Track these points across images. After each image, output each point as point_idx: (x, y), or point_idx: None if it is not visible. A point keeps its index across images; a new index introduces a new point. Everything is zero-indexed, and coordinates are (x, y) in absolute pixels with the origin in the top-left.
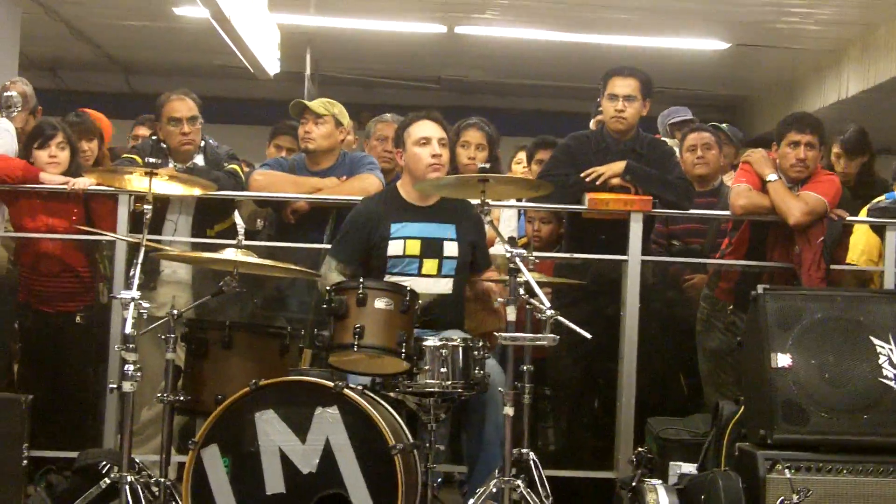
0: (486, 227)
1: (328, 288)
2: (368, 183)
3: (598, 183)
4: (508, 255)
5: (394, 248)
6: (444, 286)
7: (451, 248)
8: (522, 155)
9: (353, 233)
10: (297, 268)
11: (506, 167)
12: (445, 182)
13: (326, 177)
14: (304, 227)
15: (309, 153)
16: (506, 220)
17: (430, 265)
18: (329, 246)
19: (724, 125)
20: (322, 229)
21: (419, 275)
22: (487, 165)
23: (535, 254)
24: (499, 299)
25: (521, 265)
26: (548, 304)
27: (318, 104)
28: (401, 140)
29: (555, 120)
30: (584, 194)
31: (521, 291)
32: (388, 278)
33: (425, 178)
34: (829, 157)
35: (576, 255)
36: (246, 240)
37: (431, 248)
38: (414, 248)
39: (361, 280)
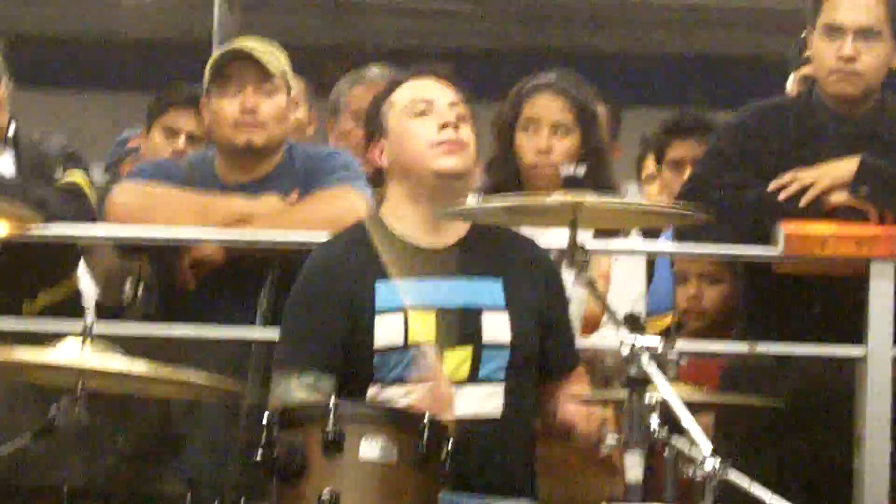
0: (579, 290)
1: (271, 418)
2: (343, 206)
3: (803, 203)
4: (626, 349)
5: (384, 329)
6: (489, 403)
7: (496, 326)
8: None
9: (318, 307)
10: (203, 380)
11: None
12: (490, 210)
13: (259, 193)
14: (217, 295)
15: (248, 151)
16: (624, 276)
17: (456, 359)
18: (265, 332)
19: None
20: (251, 299)
21: None
22: (580, 171)
23: (681, 347)
24: (608, 440)
25: (649, 369)
26: (708, 448)
27: (264, 53)
28: (377, 121)
29: (712, 72)
30: (778, 226)
31: (654, 423)
32: (376, 392)
33: (432, 170)
34: None
35: (762, 349)
36: (102, 318)
37: (457, 324)
38: (423, 326)
39: (333, 401)
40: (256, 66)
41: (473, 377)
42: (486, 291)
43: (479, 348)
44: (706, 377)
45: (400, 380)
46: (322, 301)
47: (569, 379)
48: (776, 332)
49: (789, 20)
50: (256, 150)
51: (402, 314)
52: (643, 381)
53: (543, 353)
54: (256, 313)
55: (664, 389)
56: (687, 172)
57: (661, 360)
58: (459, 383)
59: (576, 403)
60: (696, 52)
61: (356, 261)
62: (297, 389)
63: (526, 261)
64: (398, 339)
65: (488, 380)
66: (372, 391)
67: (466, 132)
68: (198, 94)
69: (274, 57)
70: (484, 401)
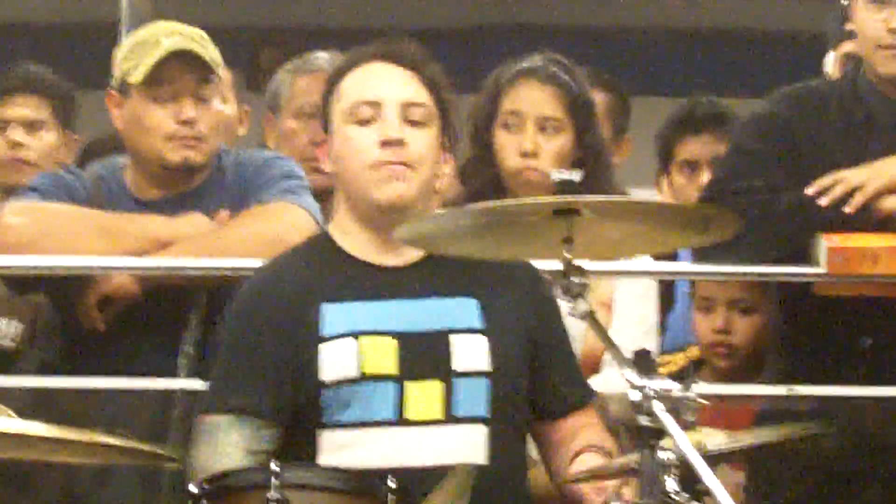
0: (578, 320)
1: (199, 488)
2: (285, 224)
3: (850, 209)
4: (635, 394)
5: (332, 358)
6: (469, 447)
7: (471, 351)
8: None
9: (252, 338)
10: (115, 442)
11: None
12: (452, 221)
13: (182, 211)
14: (131, 337)
15: (184, 170)
16: (629, 305)
17: (422, 395)
18: (190, 382)
19: None
20: (173, 342)
21: (399, 422)
22: (573, 176)
23: (704, 390)
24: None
25: (663, 417)
26: None
27: (201, 49)
28: (325, 114)
29: (734, 51)
30: (818, 238)
31: (671, 481)
32: (328, 441)
33: (369, 198)
34: None
35: (801, 391)
36: None
37: (423, 351)
38: (381, 354)
39: (275, 466)
40: (193, 66)
41: (449, 416)
42: (458, 311)
43: (450, 379)
44: (738, 419)
45: (348, 424)
46: (257, 330)
47: (575, 419)
48: (816, 365)
49: None
50: (193, 169)
51: (355, 340)
52: (657, 434)
53: (539, 390)
54: (179, 359)
55: (683, 443)
56: (703, 176)
57: (678, 407)
58: (433, 425)
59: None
60: (715, 27)
61: (298, 282)
62: (230, 449)
63: (508, 276)
64: (350, 370)
65: (468, 419)
66: (323, 440)
67: (417, 148)
68: (34, 76)
69: (209, 51)
70: (463, 445)
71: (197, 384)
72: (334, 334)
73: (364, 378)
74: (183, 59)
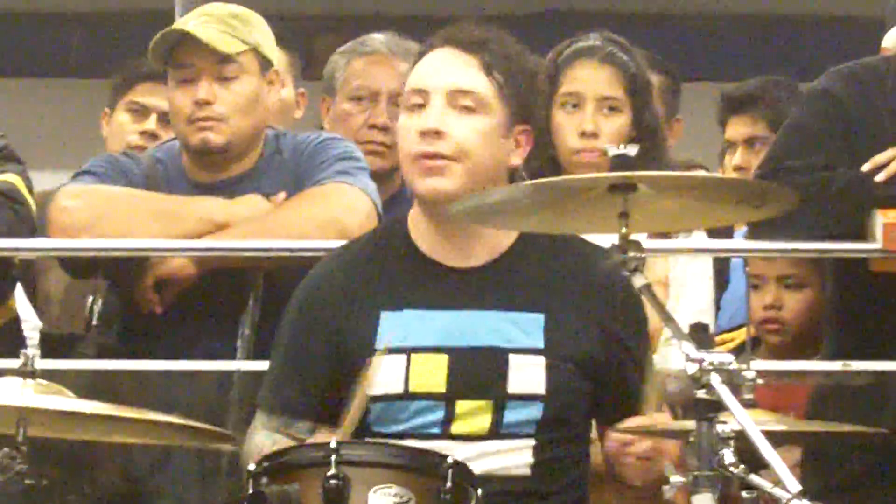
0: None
1: (251, 468)
2: (342, 205)
3: None
4: (693, 367)
5: (381, 373)
6: (514, 459)
7: (527, 373)
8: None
9: (303, 339)
10: (174, 419)
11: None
12: (508, 197)
13: (236, 193)
14: (189, 319)
15: (205, 152)
16: (686, 283)
17: (470, 413)
18: (248, 364)
19: None
20: (231, 324)
21: (444, 436)
22: (629, 150)
23: (760, 366)
24: (671, 478)
25: (721, 392)
26: (796, 487)
27: (215, 29)
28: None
29: (792, 37)
30: (874, 215)
31: (729, 458)
32: None
33: (414, 190)
34: None
35: (857, 367)
36: (47, 356)
37: (476, 371)
38: (429, 372)
39: (335, 442)
40: (201, 49)
41: (495, 432)
42: (520, 328)
43: (501, 400)
44: (790, 403)
45: (403, 434)
46: (309, 332)
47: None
48: (875, 347)
49: None
50: (215, 152)
51: (405, 356)
52: (714, 407)
53: (599, 403)
54: (238, 341)
55: (740, 416)
56: (738, 155)
57: (735, 382)
58: (478, 440)
59: (624, 435)
60: (771, 13)
61: (361, 282)
62: (259, 432)
63: (584, 286)
64: (397, 387)
65: (512, 435)
66: None
67: (461, 138)
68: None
69: (234, 30)
70: (508, 457)
71: (254, 366)
72: (385, 345)
73: (410, 395)
74: (197, 41)
